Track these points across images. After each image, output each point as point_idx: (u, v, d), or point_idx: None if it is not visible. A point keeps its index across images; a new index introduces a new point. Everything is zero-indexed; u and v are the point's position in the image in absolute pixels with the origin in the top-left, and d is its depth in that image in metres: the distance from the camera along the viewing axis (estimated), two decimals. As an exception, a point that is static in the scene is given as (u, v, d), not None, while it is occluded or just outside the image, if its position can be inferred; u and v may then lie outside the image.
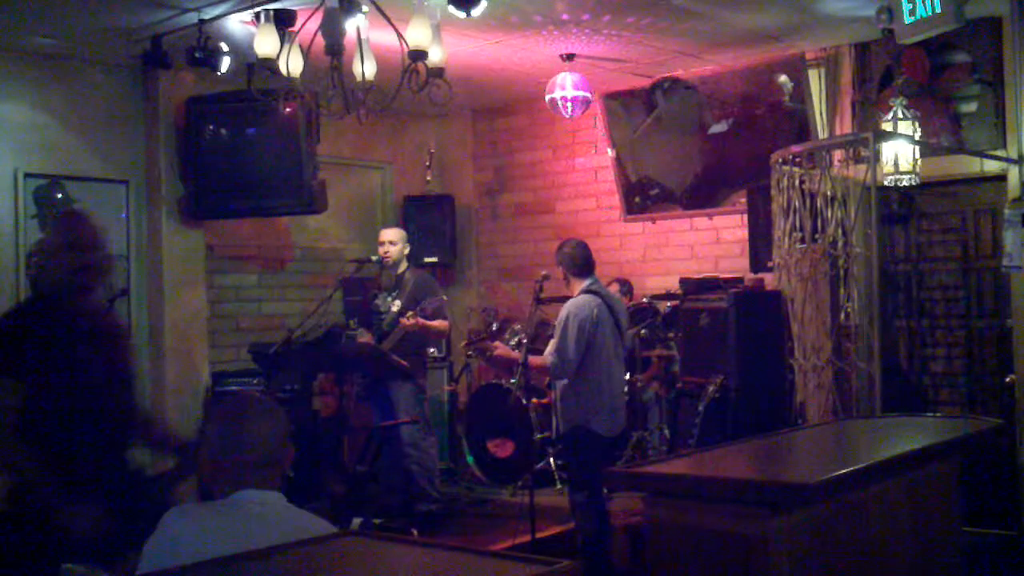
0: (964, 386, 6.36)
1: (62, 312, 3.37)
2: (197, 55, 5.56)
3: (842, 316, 5.65)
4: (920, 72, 6.22)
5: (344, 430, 6.63)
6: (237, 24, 5.59)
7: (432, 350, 7.10)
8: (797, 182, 5.80)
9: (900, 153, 5.76)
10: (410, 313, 6.04)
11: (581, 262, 5.43)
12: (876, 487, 2.79)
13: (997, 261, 5.78)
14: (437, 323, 6.20)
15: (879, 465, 2.83)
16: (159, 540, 2.32)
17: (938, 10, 4.61)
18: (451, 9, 4.89)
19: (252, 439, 2.41)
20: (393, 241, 6.38)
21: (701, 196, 7.40)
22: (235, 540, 2.17)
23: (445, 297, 6.49)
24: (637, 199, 7.71)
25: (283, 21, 4.96)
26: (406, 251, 6.46)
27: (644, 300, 7.13)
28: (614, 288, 6.98)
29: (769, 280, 6.37)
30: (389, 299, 6.27)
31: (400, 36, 4.66)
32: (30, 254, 6.25)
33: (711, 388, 6.08)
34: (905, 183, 5.83)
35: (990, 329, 6.25)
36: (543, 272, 5.72)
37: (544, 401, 5.85)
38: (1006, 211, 5.54)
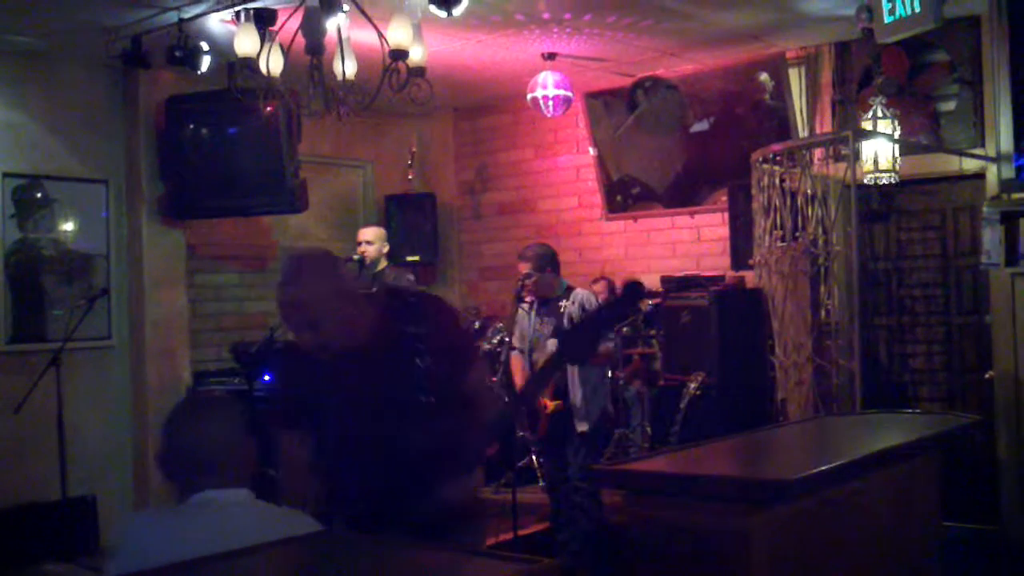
0: (944, 382, 6.40)
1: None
2: (177, 54, 5.54)
3: (822, 313, 5.68)
4: (900, 71, 6.25)
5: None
6: (217, 23, 5.57)
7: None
8: (778, 180, 5.83)
9: (880, 151, 5.80)
10: None
11: (558, 261, 5.59)
12: (856, 483, 2.80)
13: (976, 258, 5.82)
14: None
15: (859, 461, 2.85)
16: (126, 554, 2.26)
17: (917, 9, 4.63)
18: (432, 8, 4.89)
19: (202, 438, 2.36)
20: (370, 241, 6.40)
21: (682, 195, 7.42)
22: (209, 543, 2.12)
23: (412, 275, 6.48)
24: (619, 198, 7.72)
25: (263, 20, 4.94)
26: (385, 250, 6.48)
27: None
28: (601, 287, 7.00)
29: (750, 278, 6.39)
30: (366, 298, 6.27)
31: (381, 35, 4.66)
32: (9, 253, 6.22)
33: (692, 385, 6.10)
34: (884, 181, 5.87)
35: (969, 326, 6.29)
36: (525, 271, 5.73)
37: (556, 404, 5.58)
38: (985, 209, 5.58)
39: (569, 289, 5.58)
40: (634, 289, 2.86)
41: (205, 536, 2.19)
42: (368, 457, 2.88)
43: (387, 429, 2.85)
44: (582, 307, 5.41)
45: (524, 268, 5.53)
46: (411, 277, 6.42)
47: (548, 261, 5.55)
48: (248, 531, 2.18)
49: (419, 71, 4.79)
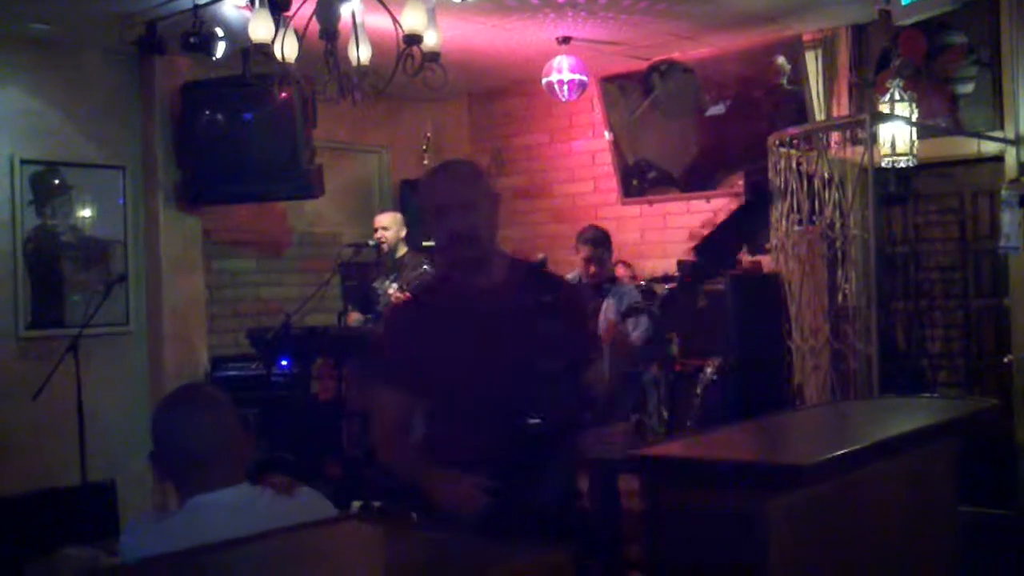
0: (962, 366, 6.37)
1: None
2: (192, 40, 5.54)
3: (840, 297, 5.66)
4: (917, 53, 6.21)
5: (342, 414, 6.63)
6: (232, 9, 5.57)
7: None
8: (794, 164, 5.80)
9: (897, 135, 5.76)
10: (395, 292, 6.07)
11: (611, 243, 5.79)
12: (874, 467, 2.80)
13: (994, 242, 5.78)
14: None
15: (876, 446, 2.84)
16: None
17: (935, -10, 4.61)
18: (447, -8, 4.89)
19: (195, 433, 2.25)
20: (386, 226, 6.41)
21: (699, 179, 7.39)
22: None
23: (427, 265, 6.49)
24: (635, 182, 7.70)
25: (278, 6, 4.93)
26: (403, 234, 6.48)
27: (642, 283, 7.13)
28: (621, 270, 7.01)
29: (767, 262, 6.37)
30: (387, 283, 6.29)
31: (395, 20, 4.65)
32: (27, 240, 6.26)
33: (709, 370, 6.08)
34: (902, 164, 5.84)
35: (988, 309, 6.26)
36: (540, 255, 5.75)
37: None
38: (1003, 192, 5.55)
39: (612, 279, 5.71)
40: (758, 185, 2.77)
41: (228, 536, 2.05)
42: (494, 429, 2.58)
43: (516, 398, 2.59)
44: (623, 302, 5.47)
45: (585, 251, 5.61)
46: (427, 267, 6.43)
47: (604, 242, 5.66)
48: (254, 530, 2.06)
49: (434, 56, 4.79)
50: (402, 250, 6.42)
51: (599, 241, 5.66)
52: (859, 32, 6.50)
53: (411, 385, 2.72)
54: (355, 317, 6.50)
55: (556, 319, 2.61)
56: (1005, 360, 5.98)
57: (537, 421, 2.55)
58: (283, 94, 6.04)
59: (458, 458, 2.59)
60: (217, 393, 2.40)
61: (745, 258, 6.67)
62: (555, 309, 2.64)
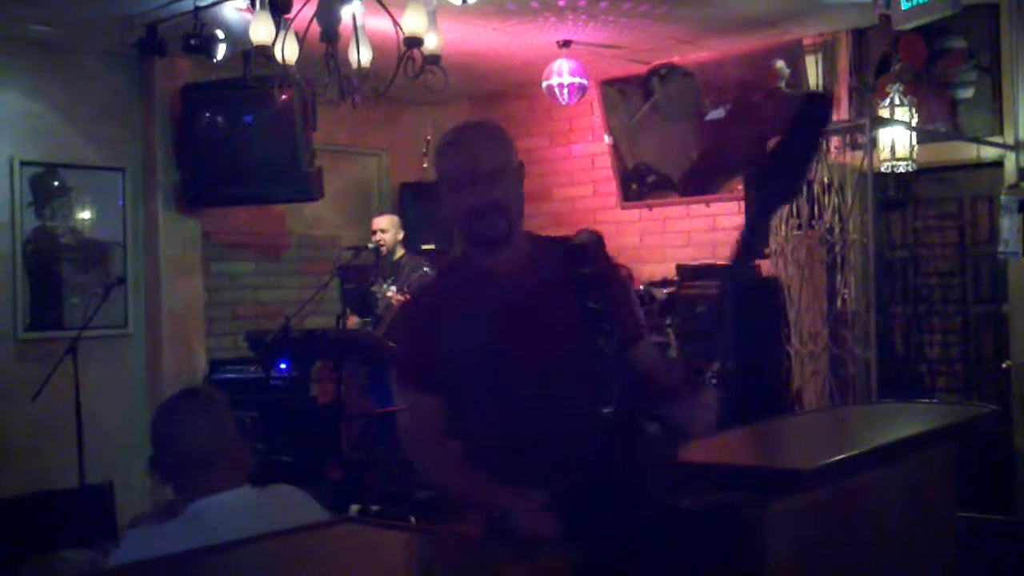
0: (960, 372, 6.37)
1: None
2: (193, 42, 5.54)
3: (839, 302, 5.66)
4: (917, 58, 6.21)
5: (342, 417, 6.63)
6: (232, 11, 5.57)
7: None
8: (794, 169, 5.79)
9: (897, 139, 5.77)
10: (395, 295, 6.07)
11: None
12: (872, 473, 2.80)
13: (994, 247, 5.79)
14: None
15: (875, 451, 2.84)
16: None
17: (935, -4, 4.61)
18: (447, -4, 4.88)
19: (194, 436, 2.24)
20: (384, 229, 6.44)
21: (698, 183, 7.39)
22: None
23: (429, 269, 6.49)
24: (634, 186, 7.70)
25: (278, 8, 4.94)
26: (400, 236, 6.51)
27: (640, 287, 7.14)
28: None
29: (766, 267, 6.37)
30: (385, 285, 6.30)
31: (396, 23, 4.65)
32: (26, 241, 6.25)
33: (708, 374, 6.08)
34: (902, 169, 5.84)
35: (987, 315, 6.26)
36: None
37: None
38: (1002, 197, 5.55)
39: None
40: (814, 99, 2.45)
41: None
42: (539, 426, 2.29)
43: (562, 390, 2.29)
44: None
45: None
46: (427, 268, 6.43)
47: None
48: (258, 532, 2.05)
49: (434, 59, 4.79)
50: (399, 252, 6.45)
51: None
52: (859, 37, 6.51)
53: (432, 384, 2.43)
54: (353, 321, 6.52)
55: (597, 293, 2.32)
56: (1004, 366, 5.97)
57: (608, 411, 2.20)
58: (283, 96, 6.04)
59: (503, 465, 2.29)
60: (216, 395, 2.39)
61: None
62: (595, 283, 2.35)
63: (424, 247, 7.85)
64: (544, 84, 6.70)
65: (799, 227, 5.76)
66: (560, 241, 2.48)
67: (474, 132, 2.48)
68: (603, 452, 2.17)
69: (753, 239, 2.28)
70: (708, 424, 2.32)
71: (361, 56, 4.76)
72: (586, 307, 2.30)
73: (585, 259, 2.39)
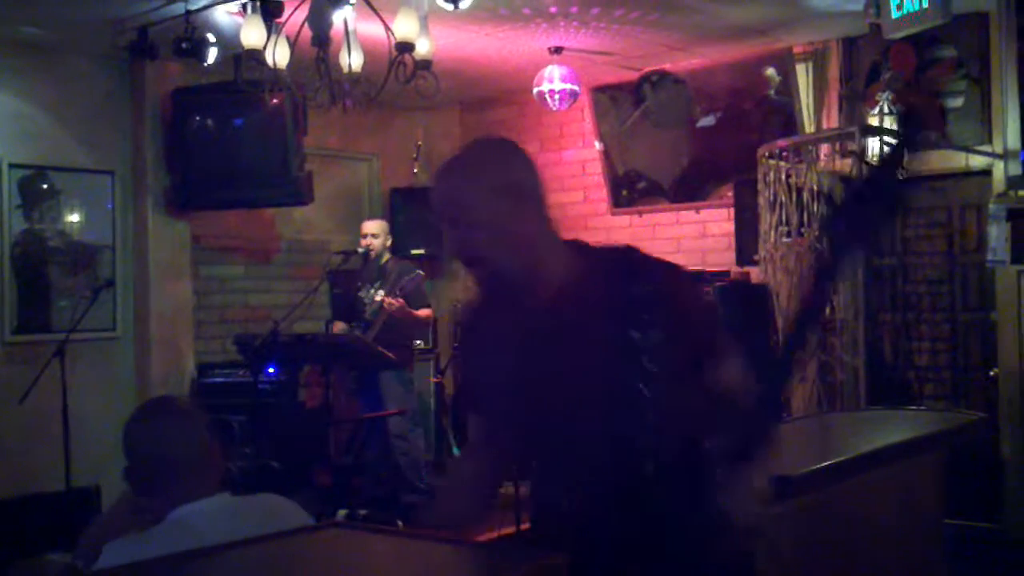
0: (949, 379, 6.38)
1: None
2: (184, 46, 5.54)
3: (827, 310, 5.67)
4: (907, 67, 6.23)
5: (330, 421, 6.63)
6: (224, 15, 5.57)
7: (419, 342, 7.10)
8: (784, 176, 5.82)
9: (886, 148, 5.78)
10: (386, 297, 6.08)
11: None
12: (860, 479, 2.80)
13: (982, 255, 5.80)
14: (422, 312, 6.30)
15: (863, 458, 2.85)
16: None
17: (925, 5, 4.62)
18: (439, 2, 4.89)
19: (167, 445, 2.22)
20: (375, 234, 6.44)
21: (688, 189, 7.40)
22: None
23: (422, 272, 6.48)
24: (624, 192, 7.71)
25: (270, 12, 4.94)
26: (388, 242, 6.53)
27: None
28: None
29: (755, 274, 6.38)
30: (372, 290, 6.30)
31: (387, 28, 4.66)
32: (14, 244, 6.23)
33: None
34: (891, 177, 5.85)
35: (975, 323, 6.28)
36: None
37: None
38: (991, 206, 5.57)
39: None
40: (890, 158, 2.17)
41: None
42: (565, 466, 2.11)
43: (588, 428, 2.04)
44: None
45: None
46: (421, 272, 6.42)
47: None
48: (253, 530, 2.06)
49: (425, 64, 4.79)
50: (386, 257, 6.46)
51: None
52: (849, 45, 6.53)
53: (475, 406, 2.30)
54: (340, 326, 6.52)
55: (650, 317, 2.02)
56: (991, 373, 6.00)
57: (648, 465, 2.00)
58: (274, 100, 6.05)
59: (550, 520, 2.14)
60: (188, 403, 2.40)
61: (734, 269, 6.68)
62: (654, 301, 2.04)
63: (414, 252, 7.85)
64: (535, 90, 6.71)
65: (788, 234, 5.77)
66: (609, 253, 2.15)
67: (455, 169, 2.19)
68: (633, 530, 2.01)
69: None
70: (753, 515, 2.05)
71: (352, 61, 4.76)
72: (628, 338, 2.00)
73: (640, 275, 2.07)
